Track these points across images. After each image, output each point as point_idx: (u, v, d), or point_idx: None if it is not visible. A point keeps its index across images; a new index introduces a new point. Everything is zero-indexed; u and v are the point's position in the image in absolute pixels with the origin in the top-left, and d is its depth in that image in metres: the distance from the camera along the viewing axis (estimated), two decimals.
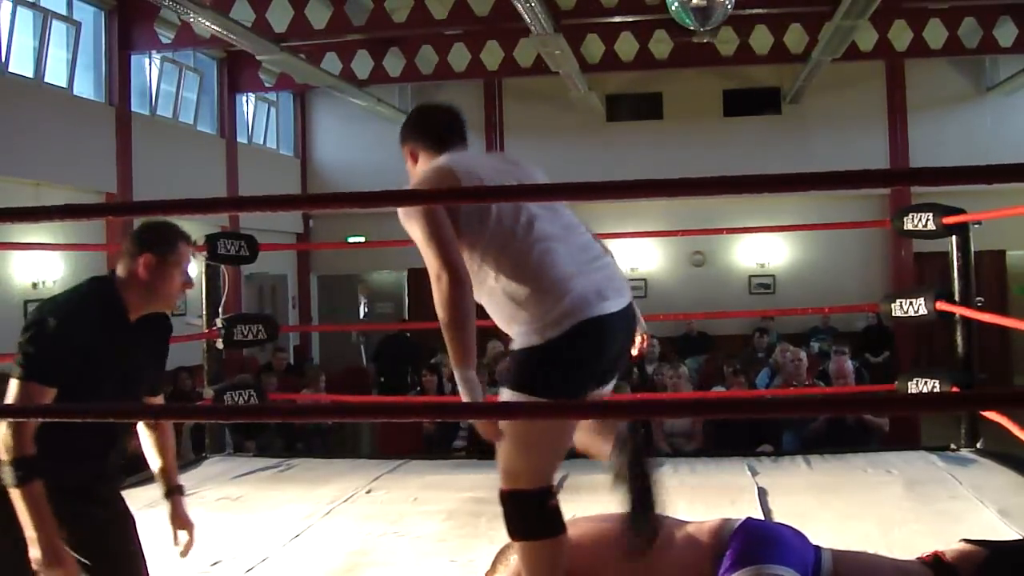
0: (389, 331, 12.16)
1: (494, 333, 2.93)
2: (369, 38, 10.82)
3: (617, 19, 10.23)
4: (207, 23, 8.35)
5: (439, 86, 13.10)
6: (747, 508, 3.56)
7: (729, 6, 6.97)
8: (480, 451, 4.44)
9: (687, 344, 11.81)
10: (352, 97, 12.02)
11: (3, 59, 8.29)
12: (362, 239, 11.70)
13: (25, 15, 8.62)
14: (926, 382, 4.53)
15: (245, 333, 5.20)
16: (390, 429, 6.80)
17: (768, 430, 5.87)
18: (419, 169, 2.53)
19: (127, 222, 9.71)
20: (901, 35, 10.67)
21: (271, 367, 9.02)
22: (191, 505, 3.98)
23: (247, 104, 12.83)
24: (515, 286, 2.31)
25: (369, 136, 13.62)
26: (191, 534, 2.57)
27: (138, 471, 4.81)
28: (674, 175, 1.63)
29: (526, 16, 8.25)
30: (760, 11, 10.02)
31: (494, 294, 2.35)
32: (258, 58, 10.06)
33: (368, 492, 4.18)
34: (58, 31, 9.04)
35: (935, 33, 10.56)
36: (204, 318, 5.25)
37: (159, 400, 2.65)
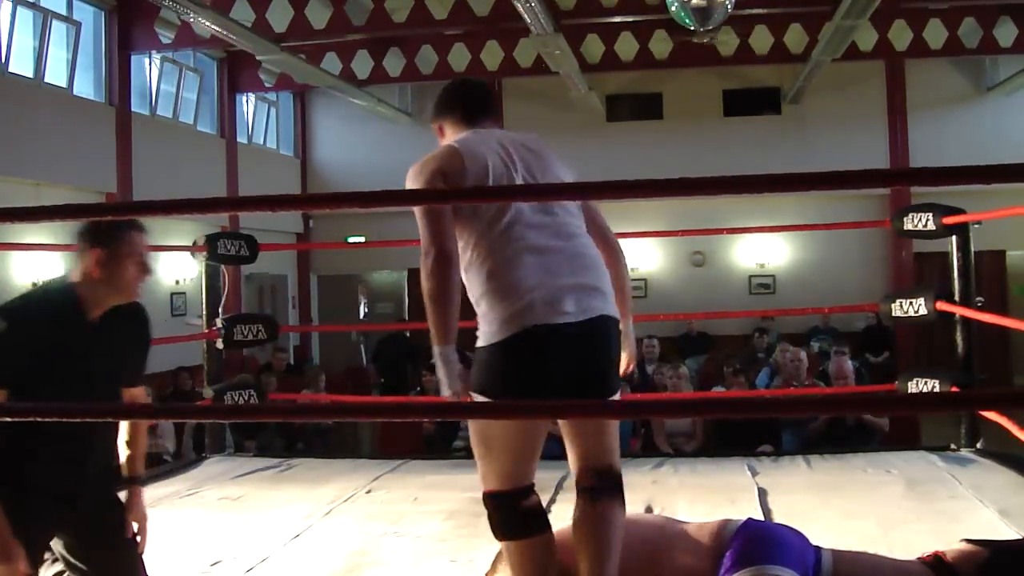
0: (389, 331, 12.16)
1: None
2: (369, 38, 10.82)
3: (617, 19, 10.23)
4: (207, 23, 8.35)
5: (439, 86, 13.06)
6: (747, 508, 3.56)
7: (729, 6, 6.97)
8: None
9: (687, 344, 11.81)
10: (352, 97, 12.01)
11: (3, 59, 8.29)
12: (362, 239, 11.70)
13: (25, 15, 8.62)
14: (926, 382, 4.53)
15: (245, 333, 5.20)
16: (390, 429, 6.79)
17: (768, 430, 5.86)
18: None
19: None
20: (901, 35, 10.67)
21: (271, 367, 9.02)
22: (191, 505, 4.02)
23: (247, 104, 12.82)
24: (482, 277, 2.33)
25: (369, 136, 13.63)
26: (144, 527, 2.53)
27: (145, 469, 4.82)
28: (674, 175, 1.63)
29: (526, 16, 8.25)
30: (760, 11, 10.02)
31: (468, 277, 2.38)
32: (258, 58, 10.06)
33: (368, 492, 4.18)
34: (58, 31, 9.04)
35: (935, 33, 10.56)
36: (204, 318, 5.25)
37: (141, 392, 2.61)
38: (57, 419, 2.06)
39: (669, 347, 10.60)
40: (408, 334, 11.26)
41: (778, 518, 3.38)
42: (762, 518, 3.37)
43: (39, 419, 2.06)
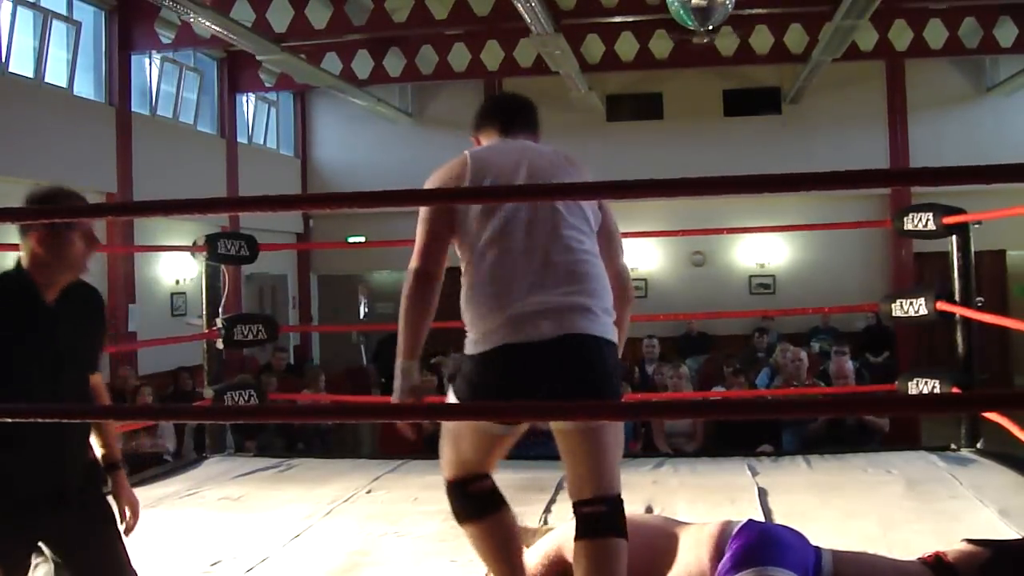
0: (390, 331, 12.14)
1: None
2: (369, 38, 10.81)
3: (617, 19, 10.22)
4: (207, 23, 8.34)
5: (439, 86, 13.10)
6: (747, 508, 3.56)
7: (729, 6, 6.97)
8: None
9: (687, 344, 11.81)
10: (352, 97, 12.01)
11: (3, 59, 8.28)
12: (362, 239, 11.69)
13: (25, 15, 8.61)
14: (926, 382, 4.53)
15: (245, 333, 5.20)
16: (390, 429, 6.78)
17: (768, 430, 5.86)
18: None
19: (128, 222, 9.74)
20: (901, 35, 10.66)
21: (271, 367, 9.01)
22: (191, 505, 4.02)
23: (247, 104, 12.82)
24: (465, 289, 2.36)
25: (369, 136, 13.62)
26: (136, 511, 2.50)
27: (141, 470, 4.83)
28: (674, 175, 1.63)
29: (526, 16, 8.25)
30: (760, 11, 10.02)
31: (462, 290, 2.40)
32: (258, 58, 10.06)
33: (368, 492, 4.18)
34: (58, 31, 9.04)
35: (935, 33, 10.56)
36: (204, 318, 5.25)
37: (100, 378, 2.56)
38: (50, 420, 2.05)
39: (669, 347, 10.60)
40: None
41: (778, 518, 3.38)
42: (762, 518, 3.37)
43: (22, 420, 2.04)
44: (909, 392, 4.56)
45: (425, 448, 6.45)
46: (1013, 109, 12.46)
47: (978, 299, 4.63)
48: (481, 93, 13.44)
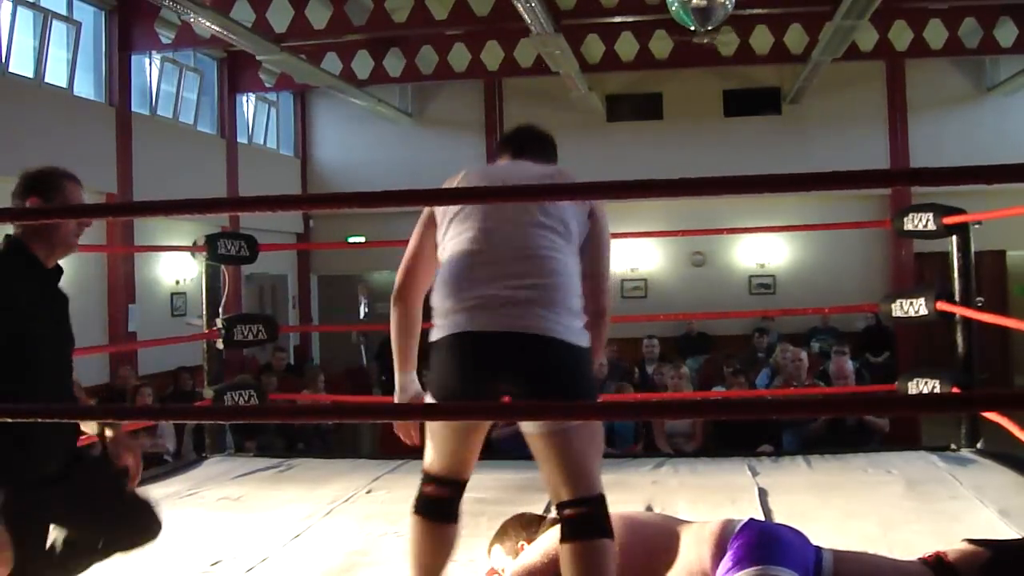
0: (389, 331, 12.13)
1: None
2: (369, 38, 10.81)
3: (617, 19, 10.22)
4: (207, 23, 8.34)
5: (439, 86, 13.10)
6: (747, 508, 3.56)
7: (729, 6, 6.97)
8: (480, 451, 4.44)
9: (687, 344, 11.81)
10: (352, 97, 12.01)
11: (3, 59, 8.29)
12: (362, 239, 11.69)
13: (25, 15, 8.62)
14: (926, 382, 4.53)
15: (245, 333, 5.20)
16: (390, 429, 6.78)
17: (768, 430, 5.87)
18: None
19: (127, 222, 9.74)
20: (901, 35, 10.66)
21: (271, 367, 9.01)
22: (191, 505, 4.02)
23: (247, 104, 12.82)
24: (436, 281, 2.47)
25: (369, 136, 13.63)
26: (137, 461, 2.46)
27: (145, 469, 4.82)
28: (674, 175, 1.63)
29: (526, 16, 8.25)
30: (760, 11, 10.02)
31: None
32: (258, 58, 10.06)
33: (368, 492, 4.18)
34: (58, 31, 9.04)
35: (935, 33, 10.56)
36: (204, 318, 5.25)
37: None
38: (57, 419, 2.06)
39: (669, 347, 10.60)
40: None
41: (778, 518, 3.38)
42: (763, 518, 3.37)
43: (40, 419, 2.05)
44: (909, 392, 4.56)
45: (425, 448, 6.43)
46: (1013, 109, 12.47)
47: (978, 299, 4.63)
48: (481, 93, 13.46)
